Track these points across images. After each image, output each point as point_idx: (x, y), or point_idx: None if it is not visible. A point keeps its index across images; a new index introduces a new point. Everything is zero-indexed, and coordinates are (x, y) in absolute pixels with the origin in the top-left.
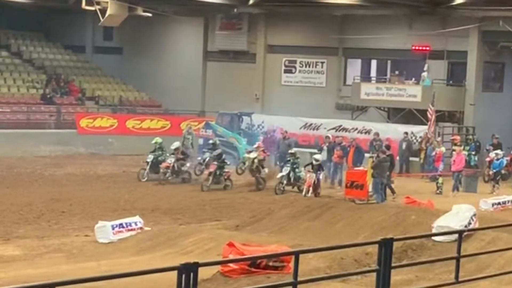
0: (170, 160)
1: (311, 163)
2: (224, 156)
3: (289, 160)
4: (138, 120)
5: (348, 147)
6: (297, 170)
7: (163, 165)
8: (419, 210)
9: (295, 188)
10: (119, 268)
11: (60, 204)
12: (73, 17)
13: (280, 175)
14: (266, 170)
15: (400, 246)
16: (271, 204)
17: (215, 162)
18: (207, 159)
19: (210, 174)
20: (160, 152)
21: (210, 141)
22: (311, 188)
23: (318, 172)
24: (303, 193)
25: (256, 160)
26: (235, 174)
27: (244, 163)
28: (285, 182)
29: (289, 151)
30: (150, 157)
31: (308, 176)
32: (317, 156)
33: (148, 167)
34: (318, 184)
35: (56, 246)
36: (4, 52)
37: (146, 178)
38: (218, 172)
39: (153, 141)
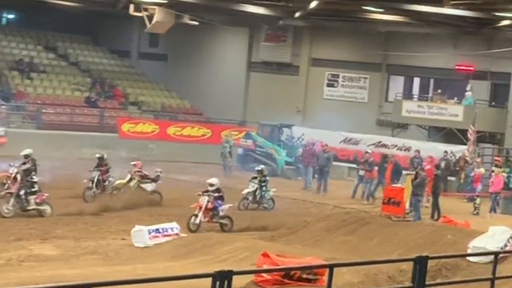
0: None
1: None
2: (33, 173)
3: (256, 177)
4: (179, 127)
5: (386, 163)
6: (264, 188)
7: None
8: (455, 229)
9: (260, 207)
10: (154, 272)
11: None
12: (120, 22)
13: (246, 191)
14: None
15: (435, 264)
16: (308, 216)
17: (18, 177)
18: (95, 179)
19: (10, 195)
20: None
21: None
22: (201, 213)
23: (218, 201)
24: (191, 219)
25: (132, 184)
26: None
27: (119, 190)
28: (250, 198)
29: (257, 168)
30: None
31: (200, 199)
32: (211, 180)
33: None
34: (217, 213)
35: (92, 248)
36: (51, 54)
37: None
38: (23, 192)
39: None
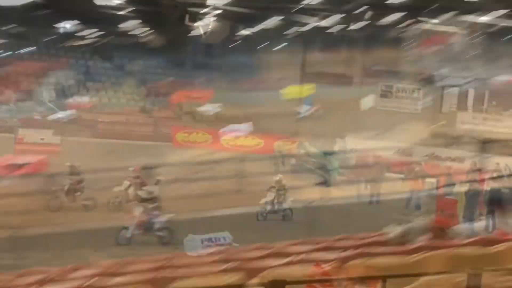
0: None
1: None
2: None
3: (274, 187)
4: (232, 137)
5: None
6: (282, 198)
7: None
8: (510, 243)
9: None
10: (205, 282)
11: None
12: (175, 32)
13: (263, 200)
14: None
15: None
16: (359, 227)
17: None
18: (66, 188)
19: None
20: None
21: None
22: (134, 225)
23: (154, 212)
24: (121, 232)
25: (130, 191)
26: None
27: (117, 198)
28: (268, 208)
29: (275, 178)
30: None
31: (136, 209)
32: (149, 188)
33: None
34: (151, 225)
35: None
36: (107, 64)
37: None
38: None
39: None
